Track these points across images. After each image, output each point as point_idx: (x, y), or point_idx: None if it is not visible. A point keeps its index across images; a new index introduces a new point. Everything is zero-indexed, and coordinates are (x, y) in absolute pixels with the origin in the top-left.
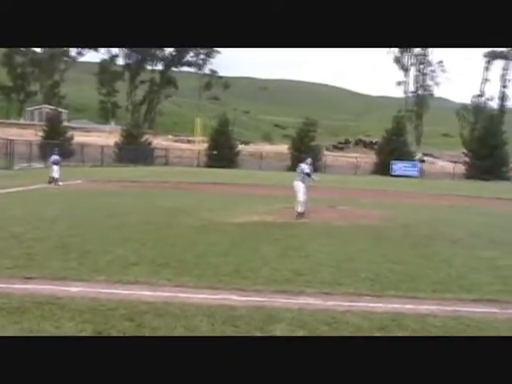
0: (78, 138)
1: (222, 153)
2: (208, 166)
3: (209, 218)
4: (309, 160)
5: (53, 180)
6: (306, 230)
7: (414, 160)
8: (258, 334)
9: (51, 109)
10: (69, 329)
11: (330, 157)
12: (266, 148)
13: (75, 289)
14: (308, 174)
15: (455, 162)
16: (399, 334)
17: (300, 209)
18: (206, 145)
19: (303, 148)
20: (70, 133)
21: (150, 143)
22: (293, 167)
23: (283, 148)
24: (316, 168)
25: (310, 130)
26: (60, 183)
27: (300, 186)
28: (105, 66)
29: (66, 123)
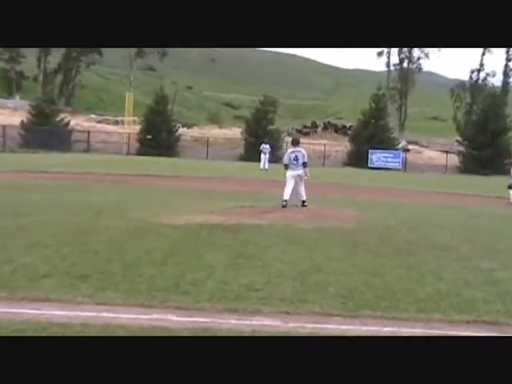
0: None
1: (158, 137)
2: (141, 153)
3: (142, 219)
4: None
5: None
6: (263, 234)
7: (396, 149)
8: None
9: None
10: None
11: None
12: (214, 132)
13: None
14: (304, 164)
15: (447, 152)
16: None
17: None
18: (138, 127)
19: (260, 132)
20: None
21: (66, 124)
22: (247, 156)
23: (235, 132)
24: (275, 158)
25: (269, 110)
26: None
27: (302, 176)
28: None
29: None
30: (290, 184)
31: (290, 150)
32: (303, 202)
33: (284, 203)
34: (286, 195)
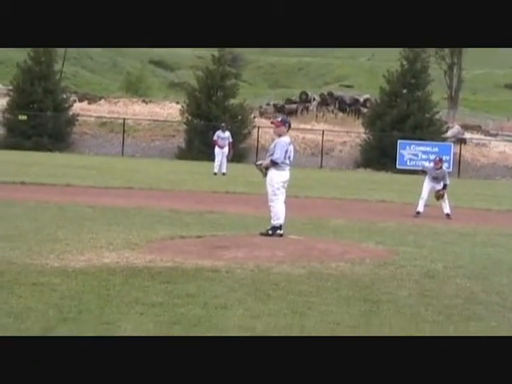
0: None
1: (38, 119)
2: (8, 145)
3: (7, 260)
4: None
5: None
6: (218, 284)
7: (444, 140)
8: None
9: None
10: None
11: (267, 130)
12: (135, 109)
13: None
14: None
15: None
16: None
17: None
18: (4, 101)
19: (213, 111)
20: None
21: None
22: (190, 150)
23: (171, 111)
24: (240, 151)
25: (228, 73)
26: None
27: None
28: None
29: None
30: (283, 196)
31: (283, 140)
32: (275, 228)
33: (280, 232)
34: (282, 217)
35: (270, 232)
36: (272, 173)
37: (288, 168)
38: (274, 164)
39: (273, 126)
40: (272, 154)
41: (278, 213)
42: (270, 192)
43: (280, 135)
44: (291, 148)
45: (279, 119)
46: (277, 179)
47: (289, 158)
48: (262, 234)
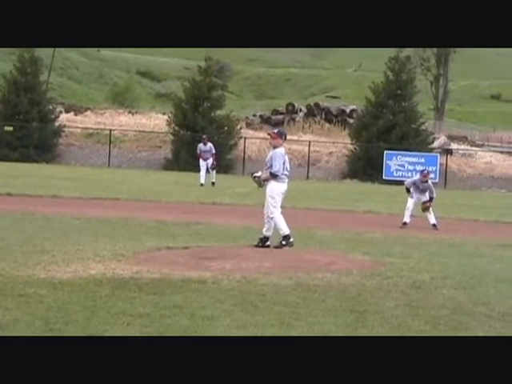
0: None
1: (24, 130)
2: None
3: None
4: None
5: None
6: (205, 295)
7: (430, 150)
8: None
9: None
10: None
11: (254, 141)
12: (121, 120)
13: None
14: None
15: None
16: None
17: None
18: None
19: (199, 122)
20: None
21: None
22: (177, 161)
23: (157, 122)
24: (225, 162)
25: (215, 84)
26: None
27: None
28: None
29: None
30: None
31: (279, 151)
32: (266, 238)
33: (286, 242)
34: (286, 226)
35: (284, 242)
36: (272, 184)
37: (287, 180)
38: (274, 176)
39: (269, 137)
40: (270, 167)
41: (279, 223)
42: (271, 203)
43: (276, 147)
44: (287, 159)
45: (276, 131)
46: (277, 190)
47: (286, 169)
48: (275, 247)
